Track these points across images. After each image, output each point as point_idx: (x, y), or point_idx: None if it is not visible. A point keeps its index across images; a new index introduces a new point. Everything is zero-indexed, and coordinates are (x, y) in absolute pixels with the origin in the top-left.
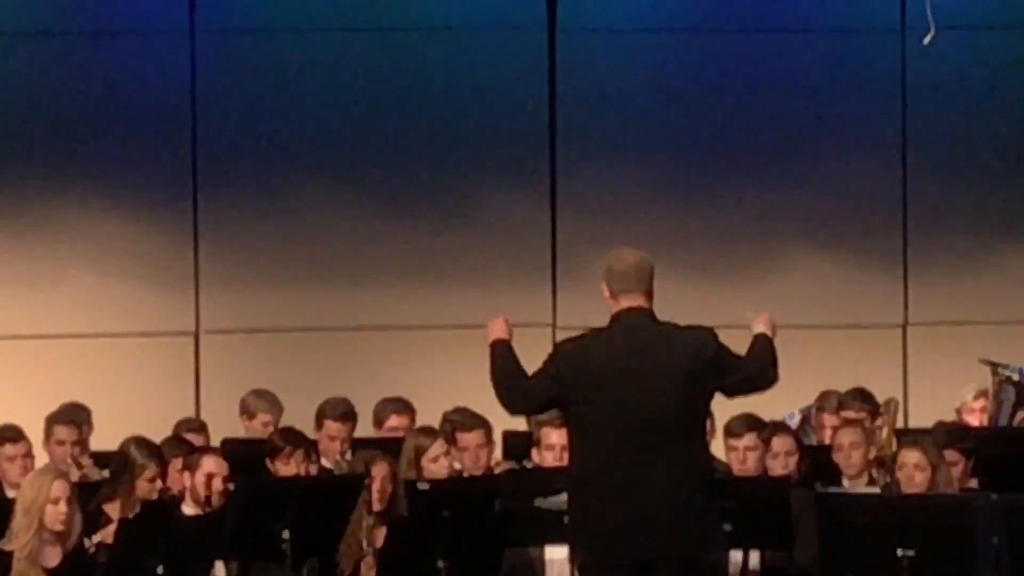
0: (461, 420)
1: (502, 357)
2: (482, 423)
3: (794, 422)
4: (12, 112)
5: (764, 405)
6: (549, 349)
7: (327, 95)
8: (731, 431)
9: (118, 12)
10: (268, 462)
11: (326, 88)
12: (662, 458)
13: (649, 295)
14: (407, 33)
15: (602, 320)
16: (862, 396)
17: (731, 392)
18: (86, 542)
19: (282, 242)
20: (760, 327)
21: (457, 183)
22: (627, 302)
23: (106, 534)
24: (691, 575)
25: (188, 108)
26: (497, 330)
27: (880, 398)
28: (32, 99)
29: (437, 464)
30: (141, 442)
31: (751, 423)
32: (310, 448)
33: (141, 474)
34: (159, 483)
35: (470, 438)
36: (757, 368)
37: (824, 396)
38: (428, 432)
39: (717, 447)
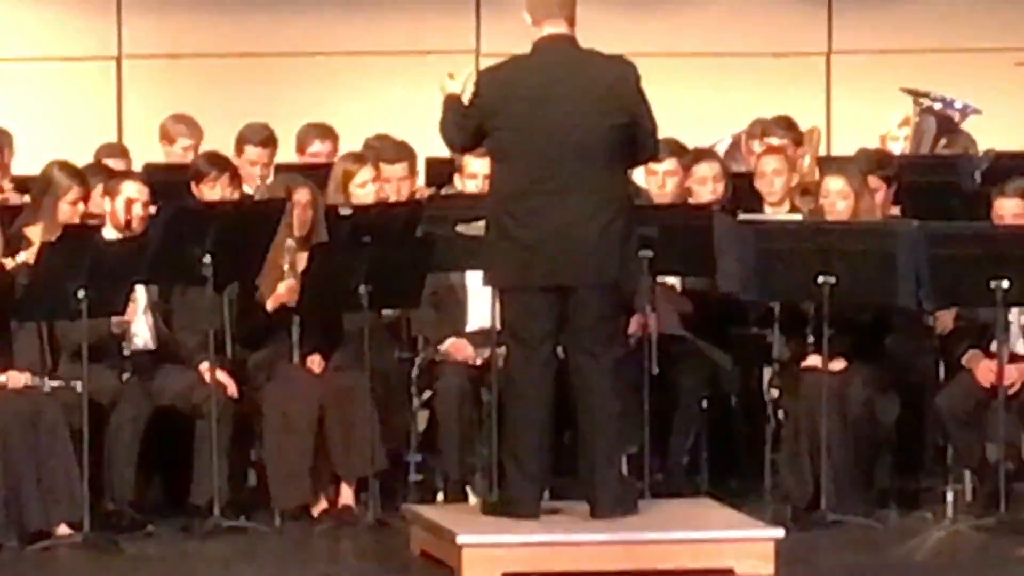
0: (384, 150)
1: (449, 107)
2: (407, 155)
3: (724, 146)
4: None
5: (688, 134)
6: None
7: None
8: None
9: None
10: (193, 186)
11: None
12: (582, 184)
13: (571, 21)
14: None
15: (526, 47)
16: (785, 124)
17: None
18: (7, 263)
19: None
20: None
21: None
22: (550, 27)
23: (27, 256)
24: (608, 301)
25: None
26: (452, 86)
27: (804, 126)
28: None
29: (364, 190)
30: (64, 165)
31: (673, 148)
32: (235, 173)
33: (64, 196)
34: (82, 207)
35: (394, 168)
36: (654, 131)
37: (755, 124)
38: (357, 158)
39: (638, 174)
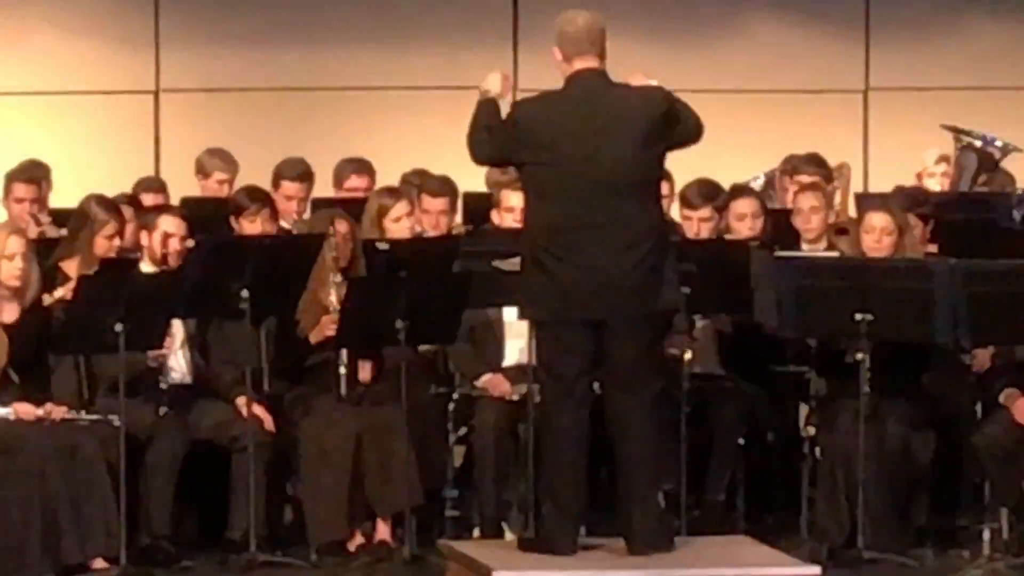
0: (428, 183)
1: (483, 111)
2: (450, 190)
3: (758, 184)
4: None
5: (725, 170)
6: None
7: None
8: (687, 201)
9: None
10: (232, 220)
11: None
12: (616, 218)
13: (602, 56)
14: None
15: (561, 83)
16: (816, 161)
17: (675, 143)
18: (44, 299)
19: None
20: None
21: None
22: (580, 64)
23: (64, 291)
24: (644, 336)
25: None
26: (490, 83)
27: (842, 163)
28: None
29: (399, 224)
30: (101, 199)
31: (707, 193)
32: (274, 207)
33: (100, 231)
34: (117, 241)
35: (435, 203)
36: (694, 116)
37: (787, 161)
38: (392, 192)
39: (676, 212)
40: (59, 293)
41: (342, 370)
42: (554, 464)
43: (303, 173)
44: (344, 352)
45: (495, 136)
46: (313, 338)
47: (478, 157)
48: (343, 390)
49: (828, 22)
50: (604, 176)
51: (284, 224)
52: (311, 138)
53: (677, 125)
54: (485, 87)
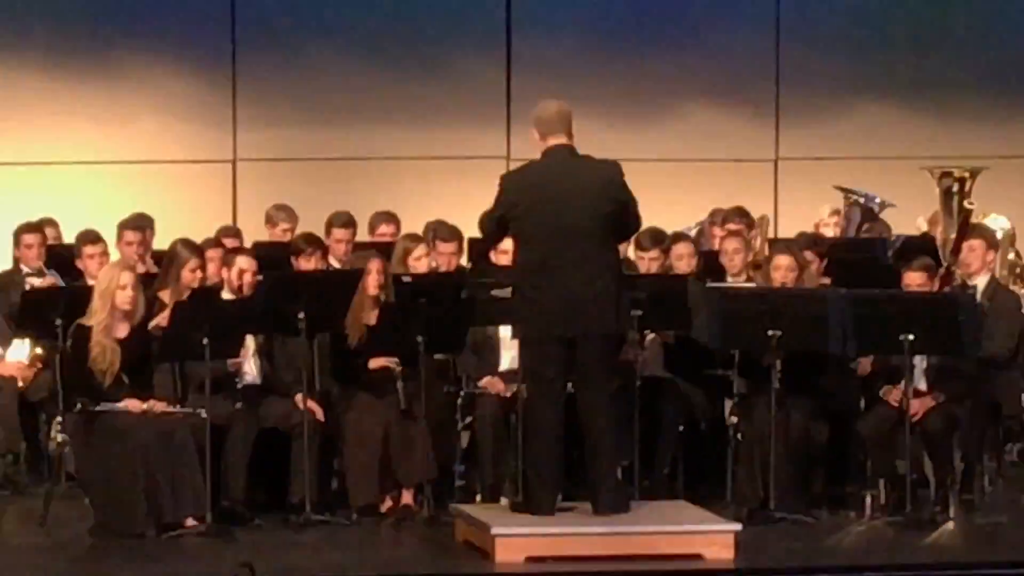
0: (441, 231)
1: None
2: (457, 235)
3: (692, 232)
4: None
5: (667, 222)
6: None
7: None
8: (640, 244)
9: None
10: (293, 259)
11: None
12: (583, 257)
13: (569, 134)
14: None
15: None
16: (740, 212)
17: (624, 224)
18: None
19: (303, 88)
20: None
21: (433, 45)
22: (553, 141)
23: (162, 318)
24: (606, 348)
25: None
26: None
27: (756, 215)
28: None
29: (420, 262)
30: (185, 242)
31: (655, 239)
32: (325, 249)
33: (185, 265)
34: (199, 273)
35: (447, 246)
36: (635, 211)
37: (714, 213)
38: (414, 237)
39: (632, 252)
40: (155, 321)
41: (399, 384)
42: (537, 446)
43: (348, 222)
44: (399, 369)
45: (494, 215)
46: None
47: (487, 237)
48: (401, 397)
49: (745, 105)
50: (572, 226)
51: (333, 262)
52: (352, 196)
53: (626, 199)
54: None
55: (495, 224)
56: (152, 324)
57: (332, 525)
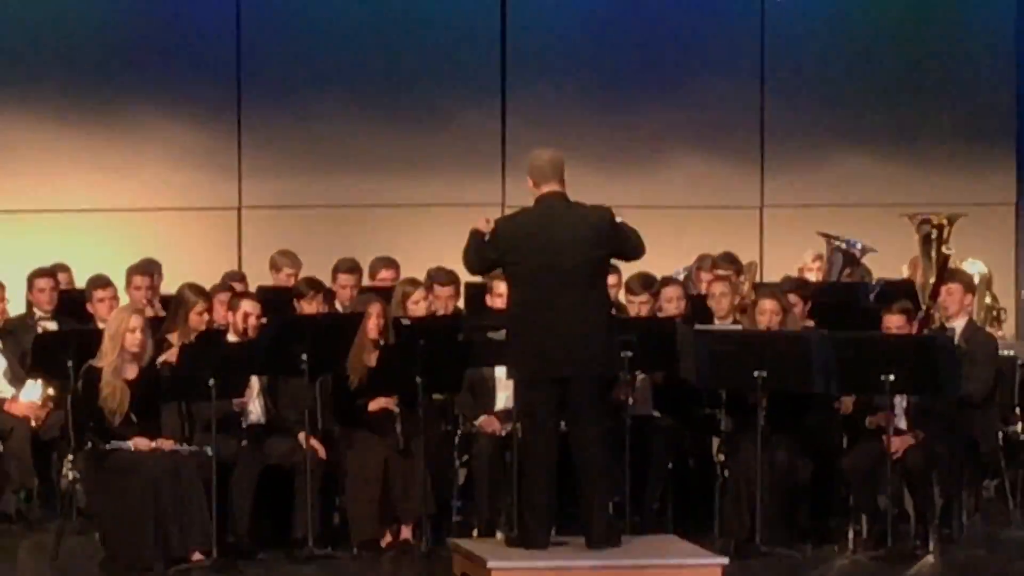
0: (438, 275)
1: (472, 240)
2: (454, 280)
3: (680, 276)
4: (101, 38)
5: (656, 266)
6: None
7: (340, 27)
8: (631, 289)
9: None
10: (295, 303)
11: (339, 22)
12: (574, 301)
13: (562, 182)
14: None
15: (533, 202)
16: (729, 258)
17: (626, 256)
18: (156, 362)
19: (305, 138)
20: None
21: (432, 98)
22: (546, 188)
23: (168, 355)
24: (597, 388)
25: (233, 35)
26: (480, 224)
27: (745, 261)
28: (113, 27)
29: (418, 306)
30: (192, 286)
31: (645, 283)
32: (327, 292)
33: (192, 308)
34: (206, 316)
35: (444, 290)
36: (636, 238)
37: (701, 258)
38: (413, 282)
39: (622, 296)
40: (163, 357)
41: (398, 426)
42: (532, 482)
43: (353, 268)
44: (398, 410)
45: (480, 256)
46: (354, 381)
47: (474, 271)
48: (399, 433)
49: (732, 154)
50: (564, 270)
51: (339, 306)
52: (353, 241)
53: (620, 238)
54: (476, 226)
55: (485, 261)
56: (160, 360)
57: (334, 559)
